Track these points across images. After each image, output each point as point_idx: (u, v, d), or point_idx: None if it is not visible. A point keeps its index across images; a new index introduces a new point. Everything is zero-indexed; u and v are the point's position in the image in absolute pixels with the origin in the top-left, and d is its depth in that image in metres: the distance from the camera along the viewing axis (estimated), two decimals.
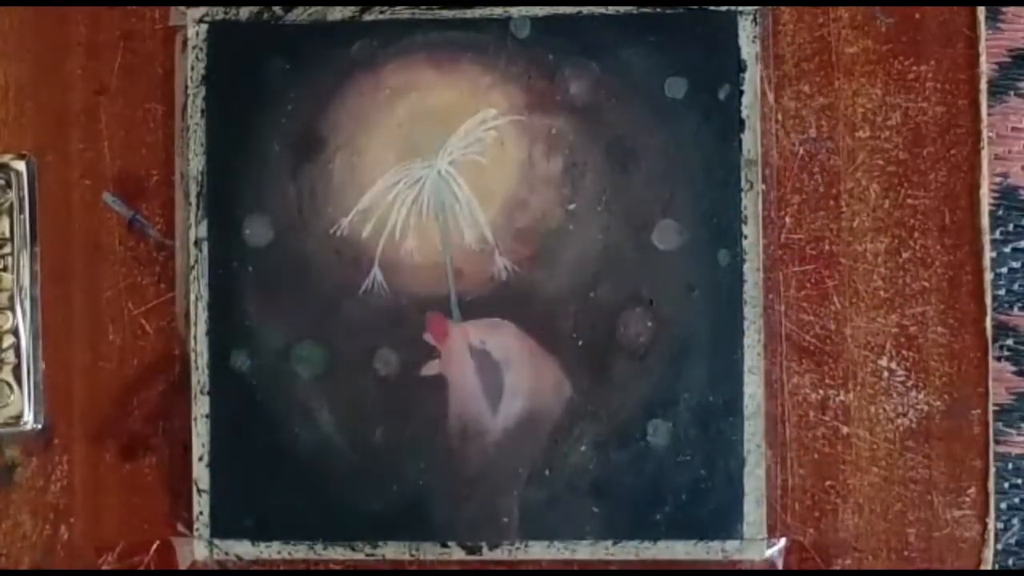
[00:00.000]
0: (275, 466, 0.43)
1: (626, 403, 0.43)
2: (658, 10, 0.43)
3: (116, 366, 0.44)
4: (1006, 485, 0.44)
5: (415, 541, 0.43)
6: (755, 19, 0.43)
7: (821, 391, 0.43)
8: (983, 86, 0.43)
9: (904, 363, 0.43)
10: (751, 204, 0.43)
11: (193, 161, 0.44)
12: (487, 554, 0.43)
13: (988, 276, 0.43)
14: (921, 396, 0.43)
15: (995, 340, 0.43)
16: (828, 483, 0.43)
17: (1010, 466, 0.44)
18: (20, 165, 0.44)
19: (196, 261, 0.44)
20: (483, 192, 0.43)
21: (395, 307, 0.43)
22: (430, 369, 0.43)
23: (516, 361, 0.43)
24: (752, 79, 0.43)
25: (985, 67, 0.43)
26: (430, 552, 0.43)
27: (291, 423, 0.43)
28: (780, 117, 0.44)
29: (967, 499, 0.43)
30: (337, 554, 0.44)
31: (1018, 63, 0.44)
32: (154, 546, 0.44)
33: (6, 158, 0.44)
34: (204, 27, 0.44)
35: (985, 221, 0.43)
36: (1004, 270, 0.44)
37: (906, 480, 0.43)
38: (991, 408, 0.43)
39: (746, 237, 0.43)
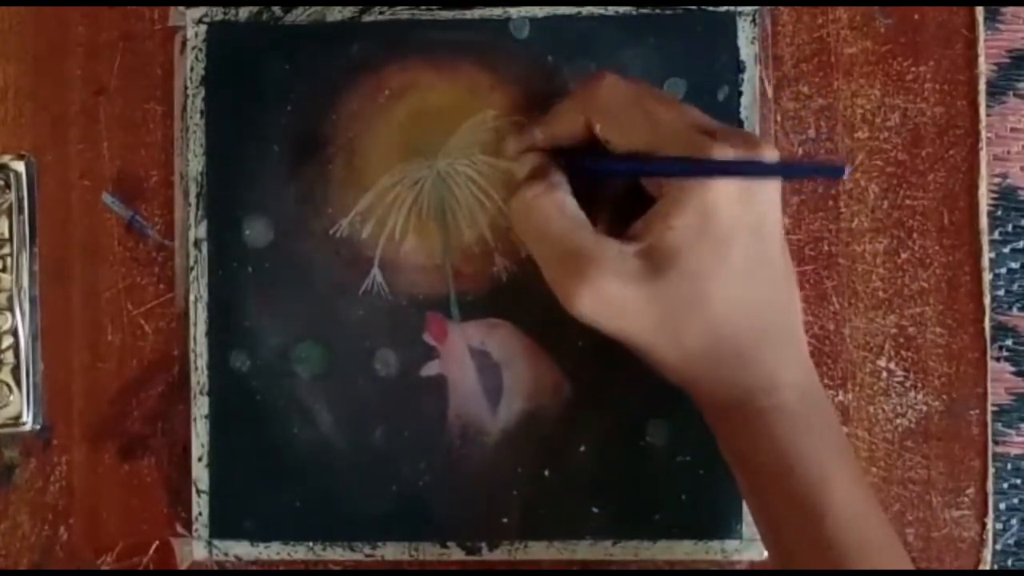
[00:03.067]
0: (274, 467, 0.43)
1: (626, 403, 0.43)
2: (657, 11, 0.43)
3: (115, 367, 0.44)
4: (1005, 485, 0.44)
5: (414, 541, 0.43)
6: (754, 20, 0.43)
7: None
8: (982, 87, 0.43)
9: (903, 363, 0.43)
10: None
11: (192, 162, 0.44)
12: (486, 554, 0.43)
13: (987, 277, 0.43)
14: (920, 396, 0.43)
15: (994, 340, 0.43)
16: None
17: (1009, 466, 0.44)
18: (19, 165, 0.44)
19: (195, 262, 0.44)
20: (483, 193, 0.43)
21: (395, 307, 0.43)
22: (430, 369, 0.43)
23: (515, 361, 0.43)
24: (751, 80, 0.43)
25: (984, 68, 0.43)
26: (429, 552, 0.43)
27: (291, 423, 0.43)
28: (779, 118, 0.44)
29: (966, 499, 0.43)
30: (336, 554, 0.44)
31: (1017, 64, 0.44)
32: (153, 547, 0.44)
33: (5, 158, 0.44)
34: (203, 28, 0.44)
35: (984, 222, 0.43)
36: (1003, 271, 0.44)
37: (905, 480, 0.43)
38: (990, 408, 0.43)
39: None
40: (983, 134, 0.43)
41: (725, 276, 0.36)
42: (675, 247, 0.36)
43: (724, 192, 0.36)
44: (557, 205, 0.38)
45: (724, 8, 0.43)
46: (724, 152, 0.36)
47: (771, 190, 0.37)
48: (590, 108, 0.39)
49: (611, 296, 0.36)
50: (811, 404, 0.38)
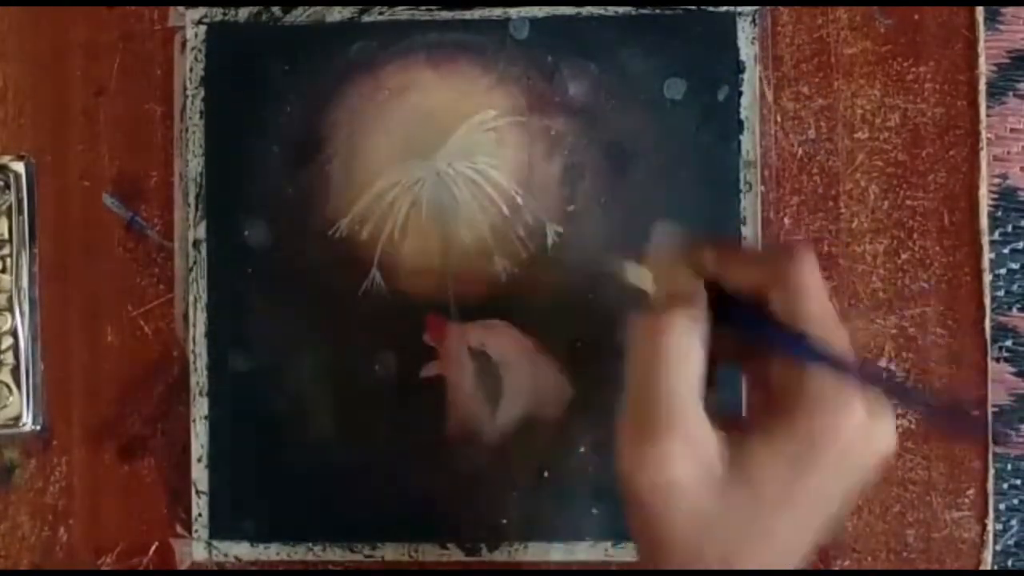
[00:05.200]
0: (274, 468, 0.43)
1: None
2: (657, 11, 0.43)
3: (115, 367, 0.44)
4: (1005, 486, 0.44)
5: (414, 542, 0.43)
6: (754, 20, 0.43)
7: None
8: (982, 87, 0.43)
9: (903, 364, 0.43)
10: (750, 205, 0.43)
11: (192, 162, 0.44)
12: (486, 555, 0.43)
13: (987, 277, 0.43)
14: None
15: (994, 341, 0.43)
16: None
17: (1009, 467, 0.44)
18: (19, 166, 0.44)
19: (195, 262, 0.44)
20: (482, 193, 0.43)
21: (394, 308, 0.43)
22: (429, 370, 0.43)
23: (515, 362, 0.43)
24: (751, 80, 0.43)
25: (984, 68, 0.43)
26: (429, 553, 0.43)
27: (290, 424, 0.43)
28: (779, 118, 0.44)
29: (966, 500, 0.43)
30: (336, 555, 0.44)
31: (1017, 64, 0.44)
32: (153, 547, 0.44)
33: (5, 159, 0.44)
34: (203, 28, 0.44)
35: (984, 222, 0.43)
36: (1003, 271, 0.44)
37: (905, 481, 0.43)
38: (990, 409, 0.43)
39: (745, 238, 0.43)
40: (983, 134, 0.43)
41: (793, 518, 0.32)
42: (766, 471, 0.31)
43: (850, 432, 0.31)
44: (686, 352, 0.32)
45: (724, 8, 0.43)
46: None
47: (887, 441, 0.33)
48: (781, 281, 0.33)
49: (671, 479, 0.31)
50: None
